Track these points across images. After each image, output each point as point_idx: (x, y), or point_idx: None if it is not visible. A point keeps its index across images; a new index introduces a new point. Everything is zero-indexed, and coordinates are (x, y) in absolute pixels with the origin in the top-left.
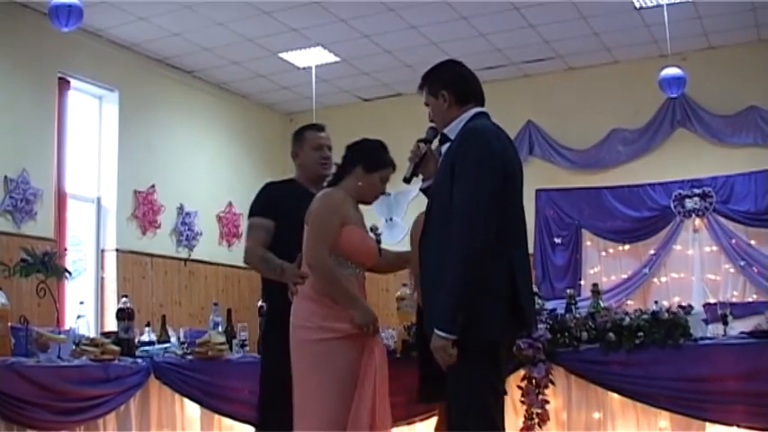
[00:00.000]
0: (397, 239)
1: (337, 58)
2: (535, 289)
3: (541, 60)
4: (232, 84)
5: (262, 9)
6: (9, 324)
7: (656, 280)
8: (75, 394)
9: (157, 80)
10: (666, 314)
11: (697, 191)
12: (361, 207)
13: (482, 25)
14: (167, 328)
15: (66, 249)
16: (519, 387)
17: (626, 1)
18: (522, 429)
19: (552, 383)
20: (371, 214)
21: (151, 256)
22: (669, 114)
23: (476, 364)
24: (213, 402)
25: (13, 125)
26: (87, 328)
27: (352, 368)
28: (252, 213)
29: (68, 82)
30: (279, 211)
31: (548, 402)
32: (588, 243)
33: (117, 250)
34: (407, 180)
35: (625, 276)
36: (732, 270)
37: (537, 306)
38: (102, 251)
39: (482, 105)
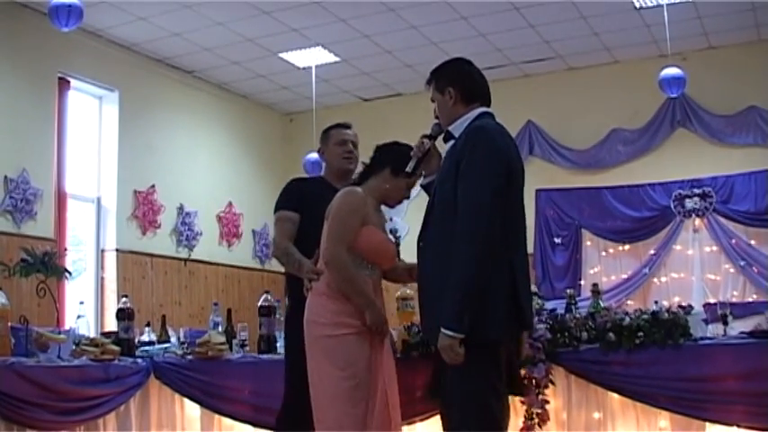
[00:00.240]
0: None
1: (337, 58)
2: (534, 289)
3: (541, 60)
4: (232, 84)
5: (262, 9)
6: (9, 324)
7: (656, 280)
8: (75, 394)
9: (157, 80)
10: (666, 314)
11: (697, 191)
12: None
13: (482, 25)
14: (167, 328)
15: (66, 249)
16: None
17: (626, 1)
18: (522, 429)
19: (552, 383)
20: None
21: (151, 256)
22: (669, 114)
23: (477, 363)
24: (213, 402)
25: (13, 125)
26: (87, 328)
27: (365, 364)
28: (278, 207)
29: (68, 82)
30: (303, 204)
31: (548, 402)
32: (588, 243)
33: (117, 250)
34: (409, 175)
35: (625, 276)
36: (732, 270)
37: (537, 306)
38: (102, 251)
39: (488, 105)
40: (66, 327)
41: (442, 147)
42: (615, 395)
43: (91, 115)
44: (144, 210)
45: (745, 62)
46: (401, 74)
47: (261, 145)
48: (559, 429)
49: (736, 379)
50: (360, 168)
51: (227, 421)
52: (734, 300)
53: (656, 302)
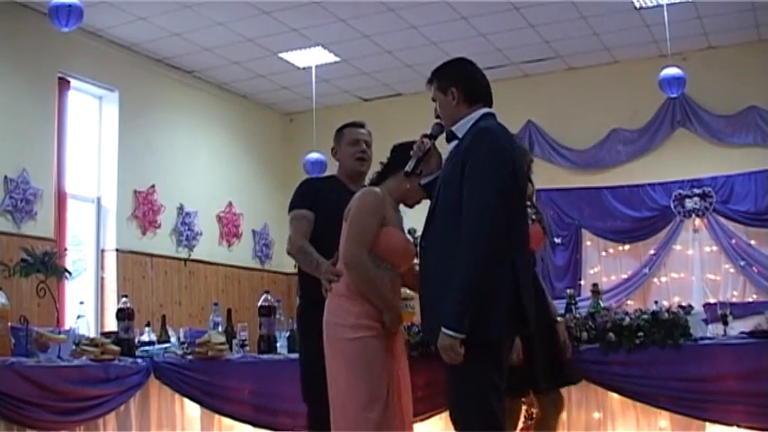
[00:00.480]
0: None
1: (337, 58)
2: None
3: (541, 60)
4: (232, 84)
5: (262, 9)
6: (9, 324)
7: (656, 280)
8: (75, 394)
9: (157, 80)
10: (666, 314)
11: (697, 191)
12: None
13: (482, 25)
14: (167, 328)
15: (66, 249)
16: None
17: (626, 1)
18: (521, 429)
19: None
20: None
21: (151, 256)
22: (669, 114)
23: (479, 363)
24: (213, 402)
25: (13, 125)
26: (87, 328)
27: (383, 367)
28: (292, 206)
29: (68, 82)
30: (317, 203)
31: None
32: (588, 243)
33: (117, 250)
34: (409, 174)
35: (625, 276)
36: (732, 270)
37: None
38: (102, 251)
39: (490, 106)
40: (66, 327)
41: (443, 147)
42: (615, 395)
43: (91, 115)
44: (144, 210)
45: (745, 62)
46: (401, 74)
47: (261, 145)
48: (559, 429)
49: (736, 379)
50: (375, 167)
51: (227, 421)
52: (734, 300)
53: (656, 302)
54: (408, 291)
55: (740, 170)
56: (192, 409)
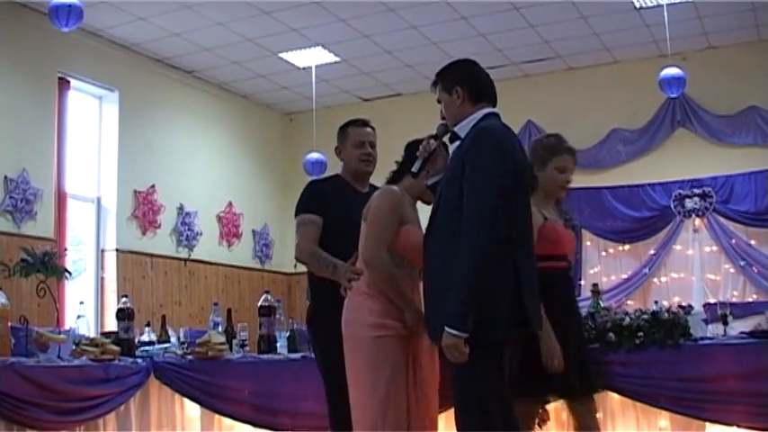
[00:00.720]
0: None
1: (337, 58)
2: None
3: (541, 60)
4: (232, 84)
5: (262, 9)
6: (9, 324)
7: (656, 280)
8: (75, 394)
9: (157, 80)
10: (666, 314)
11: (697, 191)
12: None
13: (482, 25)
14: (167, 328)
15: (66, 249)
16: None
17: (626, 1)
18: None
19: None
20: None
21: (151, 256)
22: (669, 114)
23: (480, 363)
24: (213, 402)
25: (13, 125)
26: (87, 328)
27: (403, 366)
28: (299, 211)
29: (68, 82)
30: (325, 207)
31: (548, 402)
32: (588, 243)
33: (117, 250)
34: (415, 175)
35: (625, 276)
36: (732, 270)
37: None
38: (102, 251)
39: (494, 106)
40: (67, 327)
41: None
42: (615, 395)
43: (91, 115)
44: (144, 210)
45: (745, 62)
46: (401, 74)
47: (261, 145)
48: (559, 429)
49: (736, 379)
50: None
51: (227, 421)
52: (734, 300)
53: (656, 302)
54: None
55: (740, 170)
56: (192, 409)
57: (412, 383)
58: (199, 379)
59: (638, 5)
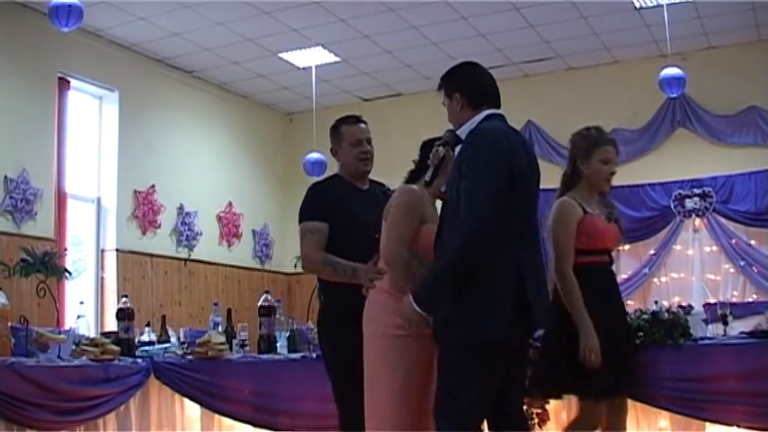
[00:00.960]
0: None
1: (337, 58)
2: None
3: (541, 60)
4: (232, 84)
5: (262, 9)
6: (9, 324)
7: (656, 280)
8: (75, 394)
9: (157, 80)
10: (666, 314)
11: (697, 191)
12: None
13: (482, 25)
14: (167, 328)
15: (66, 249)
16: None
17: (626, 1)
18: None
19: None
20: None
21: (151, 256)
22: (669, 114)
23: (474, 367)
24: (213, 402)
25: (13, 125)
26: (87, 328)
27: (422, 367)
28: (303, 218)
29: (68, 82)
30: (329, 209)
31: (548, 402)
32: None
33: (117, 250)
34: (428, 183)
35: (625, 276)
36: (732, 270)
37: None
38: (102, 251)
39: (497, 107)
40: (67, 327)
41: None
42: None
43: (91, 115)
44: (144, 210)
45: (745, 62)
46: (401, 74)
47: (261, 145)
48: (559, 429)
49: (736, 379)
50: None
51: (227, 421)
52: (734, 300)
53: (656, 302)
54: None
55: (740, 170)
56: (192, 409)
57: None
58: (199, 379)
59: (638, 5)
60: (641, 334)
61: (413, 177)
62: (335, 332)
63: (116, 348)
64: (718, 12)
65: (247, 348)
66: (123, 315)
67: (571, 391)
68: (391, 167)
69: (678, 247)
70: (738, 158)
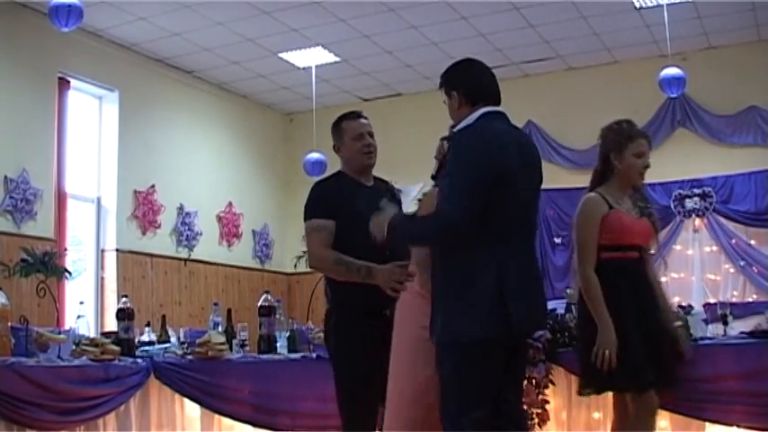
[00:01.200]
0: None
1: (337, 58)
2: None
3: (541, 60)
4: (232, 84)
5: (262, 9)
6: (9, 324)
7: None
8: (75, 394)
9: (157, 80)
10: None
11: (697, 191)
12: None
13: (482, 25)
14: (167, 328)
15: (66, 249)
16: None
17: (626, 1)
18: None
19: (552, 383)
20: None
21: (151, 256)
22: (669, 114)
23: (463, 366)
24: (213, 402)
25: (13, 125)
26: (87, 328)
27: None
28: (308, 216)
29: (68, 82)
30: (335, 207)
31: (548, 402)
32: None
33: (117, 250)
34: (434, 177)
35: None
36: (732, 270)
37: None
38: (102, 251)
39: (496, 104)
40: (67, 327)
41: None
42: None
43: (91, 115)
44: (144, 210)
45: (745, 62)
46: (401, 74)
47: (261, 145)
48: (559, 429)
49: (736, 379)
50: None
51: (227, 421)
52: (734, 300)
53: None
54: None
55: (740, 170)
56: (192, 409)
57: None
58: (199, 379)
59: (638, 5)
60: None
61: (436, 176)
62: (344, 331)
63: (116, 348)
64: (718, 12)
65: (247, 348)
66: (123, 315)
67: (609, 385)
68: (391, 167)
69: (678, 247)
70: (738, 158)
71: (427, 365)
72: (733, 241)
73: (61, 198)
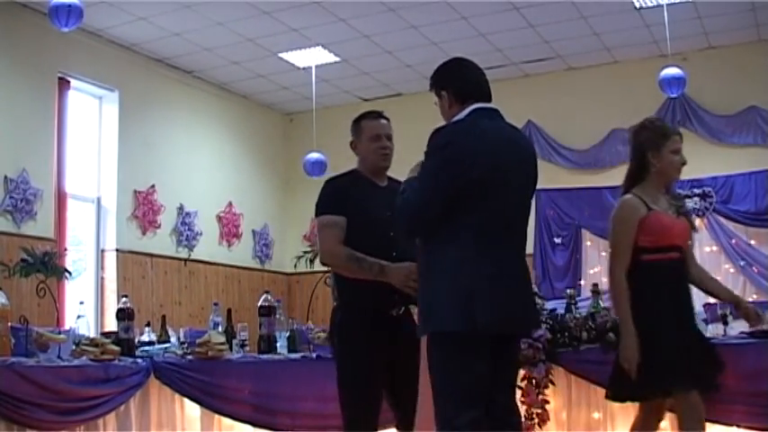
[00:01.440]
0: None
1: (337, 58)
2: (535, 289)
3: (541, 60)
4: (232, 84)
5: (262, 9)
6: (9, 324)
7: None
8: (75, 394)
9: (157, 80)
10: None
11: (697, 191)
12: None
13: (482, 25)
14: (167, 328)
15: (66, 249)
16: (519, 387)
17: (626, 1)
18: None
19: (552, 383)
20: None
21: (151, 256)
22: (669, 114)
23: (445, 360)
24: (213, 402)
25: (13, 125)
26: (87, 328)
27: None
28: (320, 212)
29: (68, 82)
30: (347, 204)
31: (548, 402)
32: (588, 243)
33: (117, 250)
34: None
35: None
36: (732, 270)
37: (537, 306)
38: (102, 251)
39: (486, 100)
40: (67, 327)
41: None
42: None
43: (91, 115)
44: (144, 210)
45: (745, 62)
46: (401, 74)
47: (261, 145)
48: (559, 429)
49: (736, 379)
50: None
51: (227, 421)
52: None
53: None
54: None
55: (740, 170)
56: (192, 409)
57: None
58: (199, 379)
59: (638, 5)
60: None
61: None
62: (348, 330)
63: (116, 348)
64: (718, 12)
65: (247, 348)
66: (123, 315)
67: (647, 389)
68: (391, 167)
69: None
70: (738, 158)
71: None
72: (733, 241)
73: (61, 198)
